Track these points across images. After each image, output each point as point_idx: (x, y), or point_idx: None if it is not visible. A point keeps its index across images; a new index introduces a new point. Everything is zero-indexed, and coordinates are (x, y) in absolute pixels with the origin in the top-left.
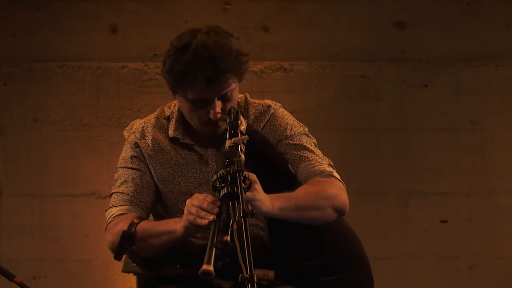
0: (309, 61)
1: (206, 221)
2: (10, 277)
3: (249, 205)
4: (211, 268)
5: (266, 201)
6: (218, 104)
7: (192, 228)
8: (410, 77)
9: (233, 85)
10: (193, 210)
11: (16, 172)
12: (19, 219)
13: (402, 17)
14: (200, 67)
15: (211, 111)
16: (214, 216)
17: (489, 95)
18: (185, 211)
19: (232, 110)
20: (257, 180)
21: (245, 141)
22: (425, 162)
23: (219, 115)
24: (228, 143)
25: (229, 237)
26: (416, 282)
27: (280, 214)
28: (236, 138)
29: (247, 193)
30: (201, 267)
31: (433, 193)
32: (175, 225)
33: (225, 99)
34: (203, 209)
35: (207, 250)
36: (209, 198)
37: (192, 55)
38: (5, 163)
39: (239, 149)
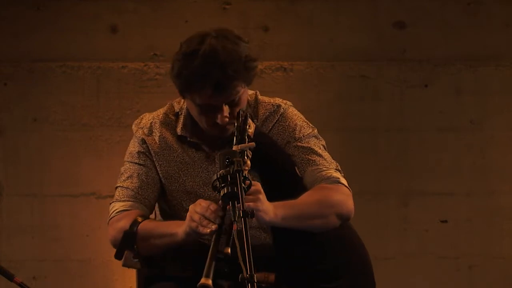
0: (309, 61)
1: (208, 230)
2: (10, 277)
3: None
4: (209, 282)
5: (269, 210)
6: (226, 109)
7: (194, 234)
8: (410, 77)
9: (242, 91)
10: (196, 217)
11: (16, 172)
12: (19, 219)
13: (402, 17)
14: (208, 73)
15: (219, 116)
16: (216, 226)
17: (489, 95)
18: (188, 217)
19: (241, 113)
20: (261, 190)
21: (251, 148)
22: (425, 162)
23: (226, 119)
24: (234, 148)
25: (229, 249)
26: (416, 282)
27: (282, 223)
28: (243, 145)
29: (251, 203)
30: (199, 268)
31: (433, 193)
32: (177, 228)
33: (233, 104)
34: (205, 218)
35: (207, 262)
36: (213, 206)
37: (201, 61)
38: (5, 163)
39: (246, 156)
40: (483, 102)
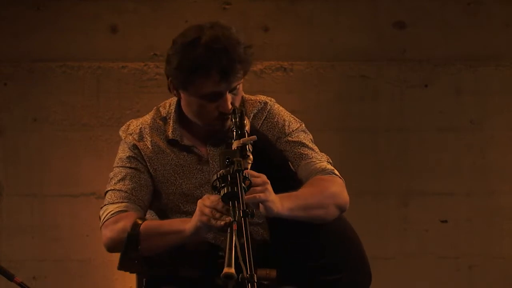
0: (309, 61)
1: (223, 223)
2: (10, 277)
3: (259, 205)
4: (232, 270)
5: (276, 201)
6: (229, 97)
7: (204, 229)
8: (410, 77)
9: (241, 79)
10: (207, 211)
11: (16, 172)
12: (19, 219)
13: (402, 17)
14: (213, 59)
15: (224, 105)
16: (230, 217)
17: (489, 95)
18: (197, 212)
19: (237, 110)
20: (268, 181)
21: (252, 141)
22: (425, 162)
23: (231, 107)
24: (236, 143)
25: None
26: (416, 282)
27: (289, 215)
28: (244, 138)
29: (261, 194)
30: (202, 268)
31: (433, 193)
32: (183, 225)
33: (234, 92)
34: (217, 211)
35: (227, 252)
36: None
37: (204, 49)
38: (5, 163)
39: (247, 149)
40: (483, 102)
